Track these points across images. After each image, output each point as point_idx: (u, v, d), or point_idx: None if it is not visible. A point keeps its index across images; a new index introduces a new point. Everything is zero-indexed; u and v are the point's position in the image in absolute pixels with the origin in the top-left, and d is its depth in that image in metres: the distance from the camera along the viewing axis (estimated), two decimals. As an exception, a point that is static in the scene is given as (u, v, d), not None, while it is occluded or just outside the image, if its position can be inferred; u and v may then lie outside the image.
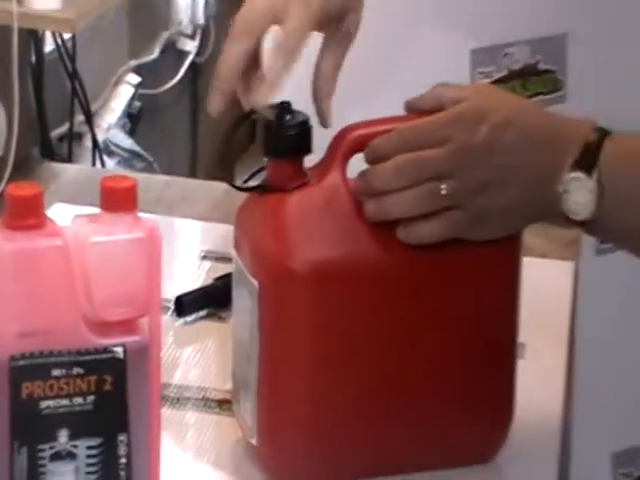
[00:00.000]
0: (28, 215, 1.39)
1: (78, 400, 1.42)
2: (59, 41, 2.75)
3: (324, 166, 1.57)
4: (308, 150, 1.57)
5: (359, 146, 1.54)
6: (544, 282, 2.08)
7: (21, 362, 1.39)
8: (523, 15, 2.73)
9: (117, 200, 1.43)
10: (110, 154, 2.93)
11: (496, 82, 2.72)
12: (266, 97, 1.62)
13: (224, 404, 1.76)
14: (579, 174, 1.48)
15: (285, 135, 1.58)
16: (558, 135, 1.56)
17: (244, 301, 1.60)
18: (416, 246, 1.56)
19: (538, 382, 1.88)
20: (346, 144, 1.55)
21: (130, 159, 2.95)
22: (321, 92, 1.64)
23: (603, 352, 2.00)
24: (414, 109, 1.57)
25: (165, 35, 3.35)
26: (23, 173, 2.49)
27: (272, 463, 1.64)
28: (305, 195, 1.57)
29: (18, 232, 1.37)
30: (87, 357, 1.42)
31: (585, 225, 1.51)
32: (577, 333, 2.17)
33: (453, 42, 2.69)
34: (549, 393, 1.90)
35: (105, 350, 1.41)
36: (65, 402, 1.42)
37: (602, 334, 2.02)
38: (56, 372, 1.41)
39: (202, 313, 1.96)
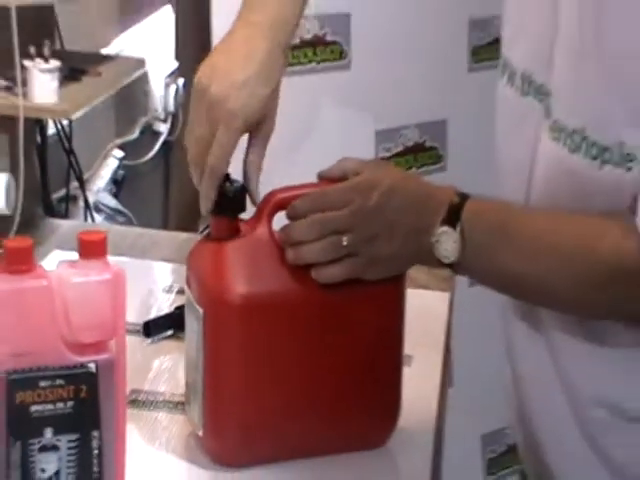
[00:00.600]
0: (21, 262, 1.39)
1: (60, 405, 1.42)
2: (59, 125, 2.73)
3: (255, 220, 1.59)
4: (242, 210, 1.60)
5: (281, 206, 1.57)
6: (426, 308, 2.12)
7: (14, 376, 1.40)
8: (413, 103, 2.68)
9: (90, 250, 1.45)
10: (99, 211, 2.92)
11: (395, 155, 2.79)
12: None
13: (181, 405, 1.75)
14: (446, 228, 1.50)
15: (223, 199, 1.59)
16: (430, 198, 1.56)
17: (192, 325, 1.61)
18: (325, 283, 1.56)
19: (420, 384, 1.89)
20: (271, 204, 1.58)
21: (114, 215, 2.94)
22: (250, 179, 1.63)
23: (474, 358, 1.98)
24: (325, 177, 1.60)
25: (143, 119, 3.35)
26: (30, 227, 2.48)
27: (214, 450, 1.65)
28: (239, 243, 1.59)
29: (13, 275, 1.38)
30: (67, 371, 1.43)
31: (452, 267, 1.52)
32: (454, 346, 2.19)
33: (362, 124, 2.69)
34: (428, 392, 1.92)
35: (81, 366, 1.42)
36: (50, 407, 1.42)
37: (473, 346, 1.99)
38: (42, 383, 1.42)
39: (165, 334, 1.94)
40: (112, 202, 2.99)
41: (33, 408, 1.38)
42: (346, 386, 1.63)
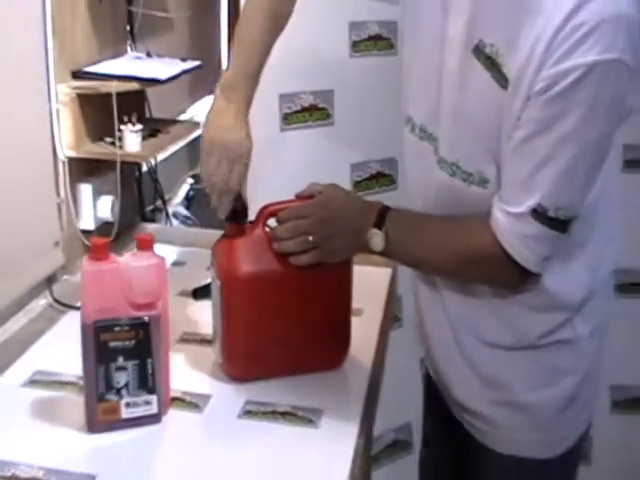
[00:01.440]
0: (101, 253, 1.46)
1: (127, 342, 1.49)
2: (150, 164, 2.74)
3: (254, 225, 1.66)
4: (246, 219, 1.69)
5: (271, 215, 1.66)
6: (375, 279, 2.18)
7: (99, 324, 1.47)
8: (378, 146, 2.61)
9: (143, 245, 1.51)
10: (176, 218, 2.93)
11: (364, 180, 2.76)
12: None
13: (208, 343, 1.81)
14: (376, 230, 1.58)
15: (234, 211, 1.67)
16: (365, 210, 1.62)
17: (215, 292, 1.69)
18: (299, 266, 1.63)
19: (366, 327, 1.95)
20: (264, 214, 1.67)
21: (186, 221, 2.94)
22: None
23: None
24: (300, 196, 1.66)
25: None
26: (130, 229, 2.51)
27: (228, 370, 1.73)
28: (243, 240, 1.66)
29: (96, 262, 1.46)
30: (130, 322, 1.49)
31: (381, 254, 1.60)
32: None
33: (341, 160, 2.70)
34: (371, 333, 1.97)
35: (138, 318, 1.49)
36: (120, 343, 1.49)
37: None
38: (116, 329, 1.49)
39: (206, 297, 1.88)
40: (185, 212, 2.98)
41: (111, 344, 1.47)
42: (315, 327, 1.70)
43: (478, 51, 1.44)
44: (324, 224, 1.61)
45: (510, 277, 1.52)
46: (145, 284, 1.49)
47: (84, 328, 1.48)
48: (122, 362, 1.49)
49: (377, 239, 1.57)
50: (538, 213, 1.41)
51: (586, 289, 1.61)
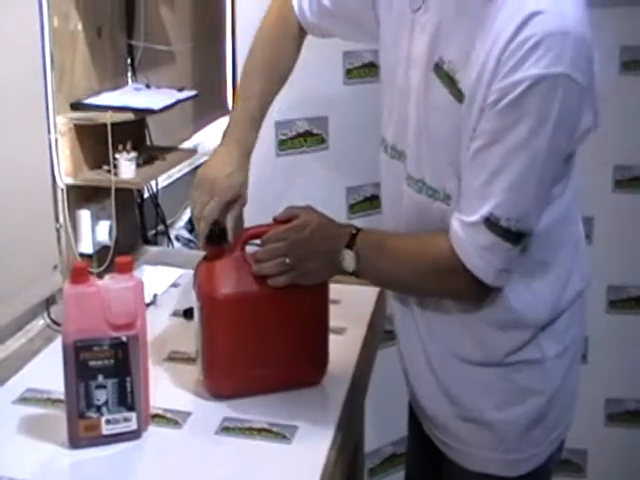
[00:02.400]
0: (81, 276, 1.47)
1: (106, 361, 1.49)
2: (152, 191, 2.76)
3: (234, 247, 1.67)
4: (225, 242, 1.68)
5: (249, 238, 1.68)
6: (361, 298, 2.15)
7: (79, 344, 1.48)
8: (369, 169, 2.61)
9: (122, 268, 1.51)
10: (178, 241, 2.94)
11: (359, 202, 2.77)
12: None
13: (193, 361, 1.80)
14: (348, 251, 1.57)
15: (212, 236, 1.67)
16: (338, 233, 1.61)
17: (196, 312, 1.70)
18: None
19: (348, 346, 1.95)
20: (243, 238, 1.68)
21: (188, 243, 2.94)
22: (228, 228, 1.69)
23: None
24: (278, 220, 1.66)
25: None
26: (132, 251, 2.53)
27: (210, 387, 1.72)
28: (223, 261, 1.66)
29: (76, 284, 1.47)
30: (109, 341, 1.50)
31: (355, 274, 1.59)
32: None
33: (336, 183, 2.71)
34: (353, 349, 1.95)
35: (117, 338, 1.49)
36: (100, 362, 1.50)
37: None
38: (95, 348, 1.49)
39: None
40: (187, 235, 2.97)
41: (91, 363, 1.48)
42: (293, 345, 1.70)
43: (438, 68, 1.47)
44: (299, 247, 1.61)
45: (468, 288, 1.50)
46: (123, 306, 1.49)
47: (65, 348, 1.49)
48: (102, 380, 1.50)
49: (349, 259, 1.57)
50: (491, 223, 1.41)
51: (551, 308, 1.60)
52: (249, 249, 1.69)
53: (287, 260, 1.61)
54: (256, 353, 1.67)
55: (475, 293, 1.52)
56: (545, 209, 1.48)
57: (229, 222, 1.69)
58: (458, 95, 1.43)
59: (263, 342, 1.67)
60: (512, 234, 1.42)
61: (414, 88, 1.54)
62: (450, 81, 1.44)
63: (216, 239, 1.68)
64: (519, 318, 1.58)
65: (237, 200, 1.70)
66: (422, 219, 1.58)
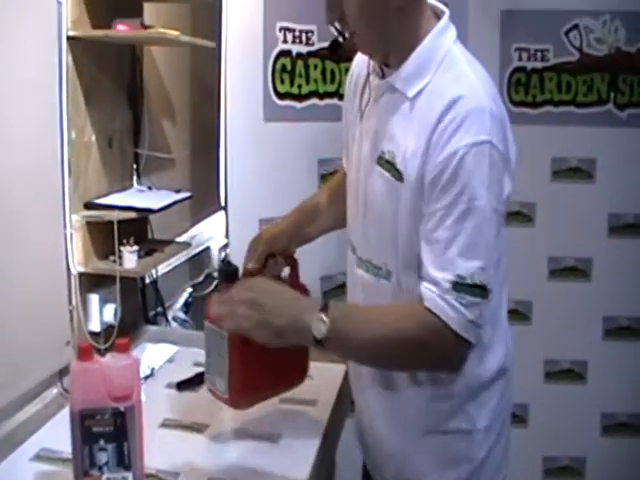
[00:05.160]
0: (86, 355, 1.49)
1: (107, 428, 1.50)
2: (152, 277, 2.78)
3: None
4: (236, 280, 1.61)
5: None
6: (331, 372, 2.12)
7: (84, 412, 1.49)
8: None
9: (121, 348, 1.53)
10: (175, 321, 2.90)
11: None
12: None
13: (189, 428, 1.81)
14: (321, 315, 1.41)
15: (223, 274, 1.67)
16: (309, 299, 1.57)
17: (216, 340, 1.60)
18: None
19: (319, 412, 1.97)
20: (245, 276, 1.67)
21: (184, 324, 2.91)
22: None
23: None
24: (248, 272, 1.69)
25: (206, 270, 3.23)
26: (134, 329, 2.54)
27: (236, 400, 1.66)
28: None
29: (82, 361, 1.49)
30: (109, 411, 1.51)
31: (319, 342, 1.42)
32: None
33: None
34: (322, 417, 1.95)
35: (117, 408, 1.50)
36: (102, 428, 1.50)
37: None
38: (98, 416, 1.50)
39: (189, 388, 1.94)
40: (183, 316, 2.97)
41: (94, 429, 1.50)
42: (290, 357, 1.64)
43: (379, 159, 1.52)
44: (267, 296, 1.46)
45: (449, 348, 1.43)
46: (121, 380, 1.52)
47: (72, 415, 1.51)
48: (103, 444, 1.52)
49: (319, 325, 1.40)
50: (458, 284, 1.38)
51: (476, 379, 1.57)
52: None
53: (247, 310, 1.44)
54: (264, 373, 1.63)
55: (455, 352, 1.46)
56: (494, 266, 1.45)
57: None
58: (398, 175, 1.46)
59: (270, 357, 1.57)
60: (478, 288, 1.40)
61: (362, 184, 1.58)
62: (390, 165, 1.48)
63: (229, 277, 1.65)
64: (446, 389, 1.58)
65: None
66: (372, 292, 1.59)
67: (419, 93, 1.45)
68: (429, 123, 1.40)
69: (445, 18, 1.50)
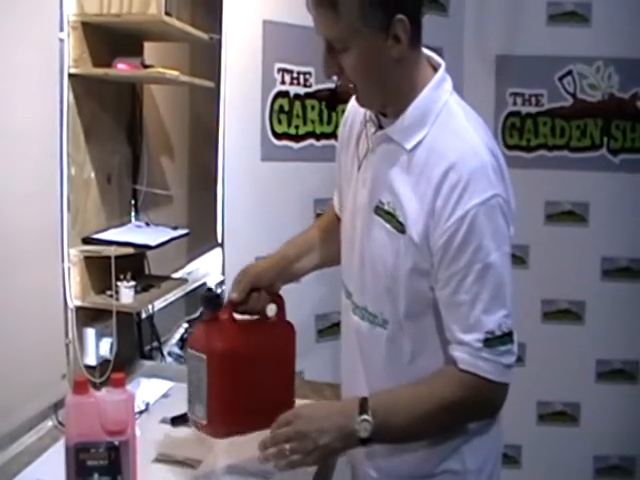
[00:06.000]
0: (81, 389, 1.51)
1: (101, 461, 1.52)
2: (149, 312, 2.78)
3: (223, 312, 1.66)
4: (220, 308, 1.66)
5: (234, 305, 1.67)
6: None
7: (79, 446, 1.51)
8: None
9: (116, 383, 1.54)
10: (170, 356, 2.90)
11: None
12: None
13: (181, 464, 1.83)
14: (364, 416, 1.42)
15: (206, 302, 1.69)
16: (343, 403, 1.59)
17: (197, 365, 1.63)
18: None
19: None
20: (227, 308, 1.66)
21: (179, 359, 2.91)
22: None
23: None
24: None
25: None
26: (130, 364, 2.54)
27: (214, 428, 1.67)
28: (217, 323, 1.65)
29: (77, 395, 1.51)
30: (104, 445, 1.53)
31: (369, 440, 1.44)
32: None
33: None
34: None
35: (111, 442, 1.52)
36: (96, 462, 1.52)
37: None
38: (92, 450, 1.52)
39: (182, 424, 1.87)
40: (178, 351, 2.97)
41: (89, 462, 1.52)
42: (273, 389, 1.68)
43: (378, 209, 1.51)
44: (304, 425, 1.46)
45: (490, 395, 1.46)
46: (116, 415, 1.54)
47: (67, 448, 1.53)
48: (97, 478, 1.53)
49: (365, 425, 1.42)
50: (489, 340, 1.40)
51: (473, 424, 1.57)
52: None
53: (293, 444, 1.44)
54: (246, 401, 1.64)
55: (499, 398, 1.47)
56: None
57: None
58: (399, 227, 1.46)
59: (252, 388, 1.64)
60: (507, 335, 1.42)
61: (358, 231, 1.59)
62: (390, 217, 1.48)
63: (210, 303, 1.68)
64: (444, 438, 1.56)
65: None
66: (367, 341, 1.59)
67: (417, 145, 1.45)
68: (431, 184, 1.41)
69: (442, 70, 1.50)
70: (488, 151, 1.42)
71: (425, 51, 1.52)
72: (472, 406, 1.46)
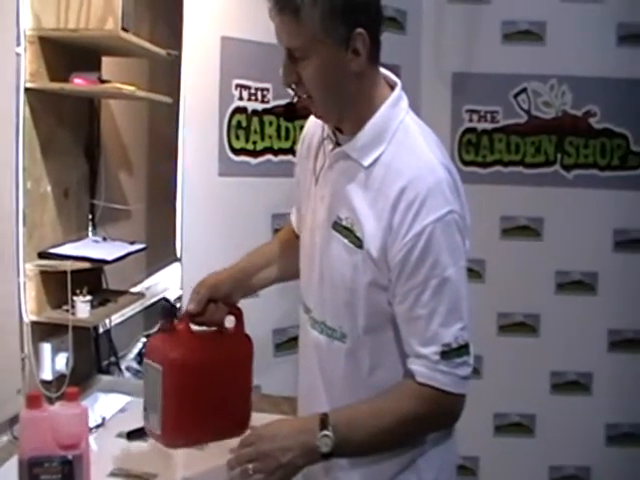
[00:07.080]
0: (35, 403, 1.50)
1: (54, 476, 1.51)
2: (106, 326, 2.77)
3: (180, 322, 1.65)
4: (175, 318, 1.66)
5: (191, 316, 1.65)
6: None
7: (32, 460, 1.50)
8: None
9: (70, 397, 1.54)
10: (128, 371, 2.90)
11: None
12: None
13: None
14: (324, 432, 1.41)
15: (163, 312, 1.69)
16: (303, 420, 1.54)
17: (153, 375, 1.62)
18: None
19: None
20: (186, 316, 1.65)
21: (137, 374, 2.89)
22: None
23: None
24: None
25: (161, 321, 3.17)
26: (86, 379, 2.52)
27: (168, 438, 1.66)
28: (174, 333, 1.64)
29: (31, 410, 1.50)
30: (57, 459, 1.52)
31: (330, 455, 1.43)
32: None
33: None
34: None
35: (64, 456, 1.51)
36: (49, 476, 1.51)
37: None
38: (46, 464, 1.50)
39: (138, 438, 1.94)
40: (136, 366, 2.95)
41: (42, 477, 1.50)
42: (229, 401, 1.67)
43: (336, 225, 1.51)
44: (267, 444, 1.44)
45: (449, 407, 1.46)
46: (70, 429, 1.52)
47: (21, 463, 1.51)
48: (51, 492, 1.52)
49: (325, 440, 1.41)
50: (445, 352, 1.41)
51: (428, 437, 1.56)
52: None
53: (256, 465, 1.43)
54: (200, 409, 1.63)
55: (457, 409, 1.48)
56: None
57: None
58: (357, 242, 1.46)
59: (207, 399, 1.63)
60: (463, 347, 1.42)
61: (317, 247, 1.58)
62: (348, 232, 1.48)
63: (166, 313, 1.69)
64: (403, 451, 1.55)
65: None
66: (326, 355, 1.58)
67: (374, 162, 1.46)
68: (389, 201, 1.42)
69: (398, 88, 1.51)
70: (443, 168, 1.43)
71: (382, 70, 1.52)
72: (431, 418, 1.47)
